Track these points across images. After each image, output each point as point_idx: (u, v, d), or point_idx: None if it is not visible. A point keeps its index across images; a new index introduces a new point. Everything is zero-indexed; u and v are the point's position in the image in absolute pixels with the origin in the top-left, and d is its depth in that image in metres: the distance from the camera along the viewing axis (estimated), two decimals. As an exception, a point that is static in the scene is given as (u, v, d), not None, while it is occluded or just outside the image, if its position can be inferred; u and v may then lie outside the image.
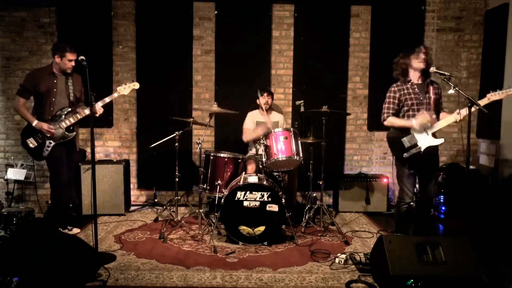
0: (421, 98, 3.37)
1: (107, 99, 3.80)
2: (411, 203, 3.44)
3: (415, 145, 3.31)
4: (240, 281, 2.93)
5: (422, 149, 3.30)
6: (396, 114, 3.45)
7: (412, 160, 3.36)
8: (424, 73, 3.42)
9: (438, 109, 3.45)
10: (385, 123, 3.48)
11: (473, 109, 3.07)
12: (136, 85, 3.96)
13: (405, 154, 3.35)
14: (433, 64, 3.44)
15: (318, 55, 5.05)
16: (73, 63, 3.79)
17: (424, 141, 3.31)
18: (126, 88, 3.90)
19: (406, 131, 3.37)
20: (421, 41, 5.06)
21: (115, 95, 3.86)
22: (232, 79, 5.02)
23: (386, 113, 3.45)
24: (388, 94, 3.48)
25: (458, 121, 3.23)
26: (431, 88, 3.41)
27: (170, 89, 5.02)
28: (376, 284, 2.87)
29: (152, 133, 4.65)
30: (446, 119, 3.32)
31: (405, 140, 3.35)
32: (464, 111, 3.14)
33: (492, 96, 3.15)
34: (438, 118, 3.40)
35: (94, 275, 2.92)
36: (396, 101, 3.42)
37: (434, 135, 3.33)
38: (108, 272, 3.00)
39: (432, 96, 3.40)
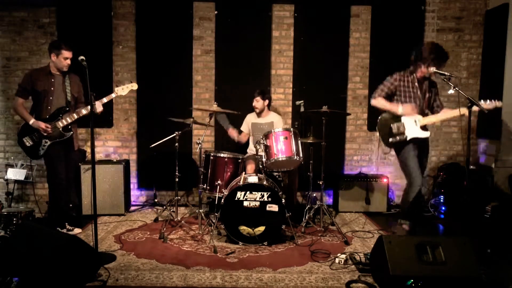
0: (418, 93, 3.52)
1: (105, 99, 3.80)
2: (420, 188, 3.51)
3: (402, 133, 3.47)
4: (240, 281, 2.93)
5: (408, 138, 3.45)
6: (387, 98, 3.62)
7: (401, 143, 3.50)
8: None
9: (430, 107, 3.67)
10: (373, 101, 3.65)
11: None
12: (135, 86, 3.97)
13: (391, 139, 3.53)
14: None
15: (318, 55, 5.05)
16: (69, 62, 3.77)
17: (411, 131, 3.49)
18: (124, 89, 3.90)
19: (397, 118, 3.55)
20: (421, 41, 5.06)
21: (113, 95, 3.86)
22: (232, 79, 5.02)
23: (379, 93, 3.62)
24: (388, 78, 3.63)
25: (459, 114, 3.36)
26: (429, 87, 3.59)
27: (170, 89, 5.02)
28: (376, 284, 2.87)
29: (152, 133, 4.66)
30: (436, 116, 3.55)
31: (394, 126, 3.53)
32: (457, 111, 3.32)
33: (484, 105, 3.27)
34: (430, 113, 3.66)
35: (94, 275, 2.92)
36: (393, 88, 3.59)
37: (424, 127, 3.43)
38: (108, 272, 3.00)
39: (427, 94, 3.58)
